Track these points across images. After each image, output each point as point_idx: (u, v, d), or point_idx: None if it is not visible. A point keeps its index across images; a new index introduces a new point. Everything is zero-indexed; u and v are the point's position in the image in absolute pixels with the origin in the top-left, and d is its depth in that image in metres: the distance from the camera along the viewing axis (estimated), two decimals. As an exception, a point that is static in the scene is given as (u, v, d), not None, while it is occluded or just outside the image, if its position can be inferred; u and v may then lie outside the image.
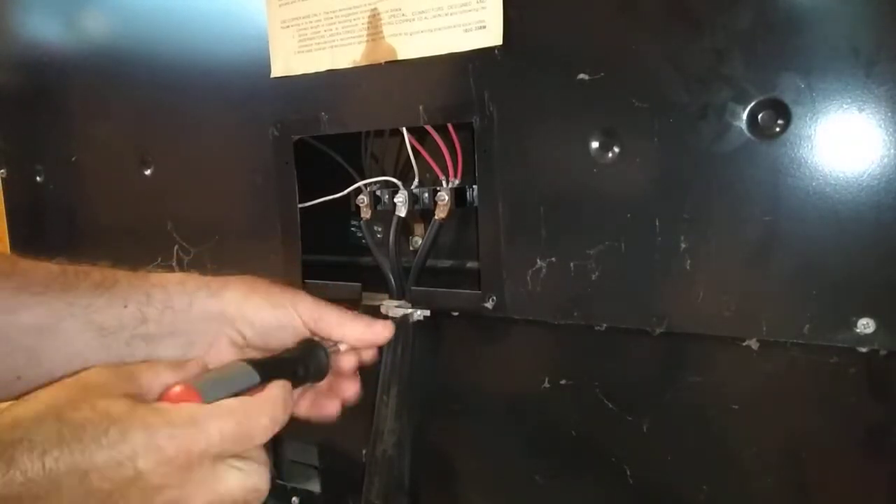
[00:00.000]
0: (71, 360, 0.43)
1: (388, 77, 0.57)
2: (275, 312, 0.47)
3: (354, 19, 0.58)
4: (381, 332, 0.50)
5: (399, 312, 0.56)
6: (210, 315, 0.46)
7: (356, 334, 0.49)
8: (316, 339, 0.48)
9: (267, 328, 0.47)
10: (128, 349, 0.44)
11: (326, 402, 0.50)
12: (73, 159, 0.82)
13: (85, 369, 0.39)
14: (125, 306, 0.44)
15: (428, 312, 0.58)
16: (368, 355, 0.52)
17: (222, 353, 0.46)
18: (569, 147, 0.50)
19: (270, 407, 0.38)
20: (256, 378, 0.40)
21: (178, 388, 0.37)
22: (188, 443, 0.34)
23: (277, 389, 0.40)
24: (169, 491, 0.34)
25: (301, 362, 0.45)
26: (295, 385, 0.43)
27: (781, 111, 0.42)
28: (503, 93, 0.52)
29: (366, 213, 0.62)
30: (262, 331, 0.47)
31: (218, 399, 0.37)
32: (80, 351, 0.43)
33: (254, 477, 0.37)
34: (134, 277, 0.46)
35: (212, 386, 0.38)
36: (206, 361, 0.45)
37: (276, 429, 0.38)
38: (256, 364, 0.41)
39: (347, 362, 0.50)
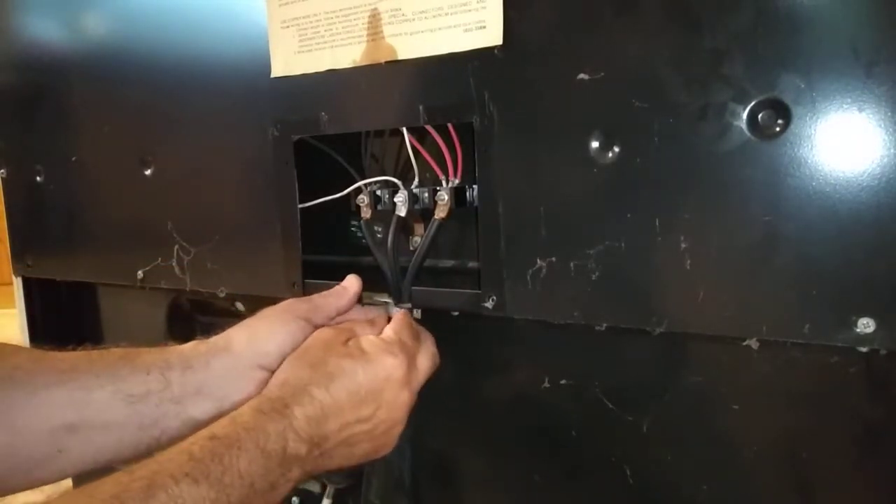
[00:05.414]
0: (108, 427, 0.45)
1: (388, 77, 0.57)
2: (285, 327, 0.50)
3: (354, 19, 0.58)
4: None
5: (395, 312, 0.56)
6: (228, 369, 0.48)
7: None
8: None
9: (282, 344, 0.49)
10: (159, 411, 0.46)
11: None
12: (73, 159, 0.82)
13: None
14: (147, 373, 0.47)
15: (419, 313, 0.59)
16: None
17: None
18: (569, 147, 0.50)
19: None
20: None
21: None
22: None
23: None
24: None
25: None
26: None
27: (781, 111, 0.42)
28: (503, 93, 0.52)
29: (366, 213, 0.62)
30: (280, 350, 0.49)
31: None
32: (114, 418, 0.45)
33: None
34: (152, 349, 0.49)
35: None
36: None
37: None
38: None
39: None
